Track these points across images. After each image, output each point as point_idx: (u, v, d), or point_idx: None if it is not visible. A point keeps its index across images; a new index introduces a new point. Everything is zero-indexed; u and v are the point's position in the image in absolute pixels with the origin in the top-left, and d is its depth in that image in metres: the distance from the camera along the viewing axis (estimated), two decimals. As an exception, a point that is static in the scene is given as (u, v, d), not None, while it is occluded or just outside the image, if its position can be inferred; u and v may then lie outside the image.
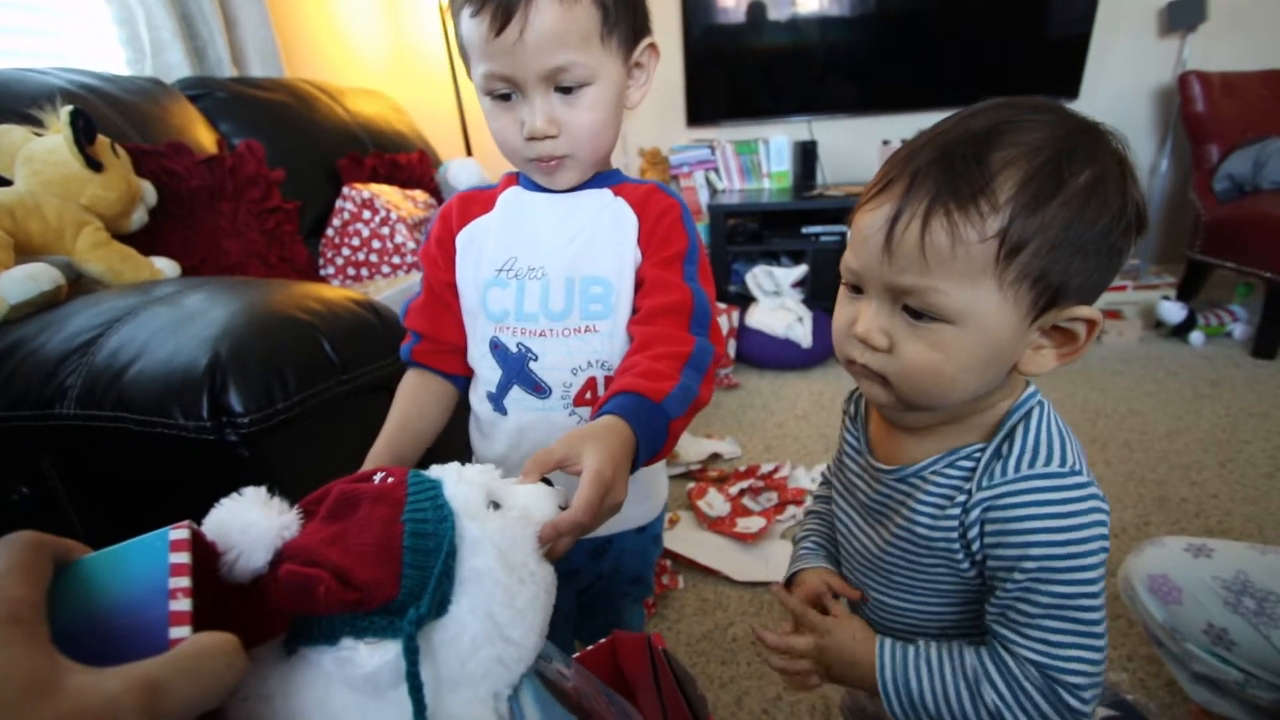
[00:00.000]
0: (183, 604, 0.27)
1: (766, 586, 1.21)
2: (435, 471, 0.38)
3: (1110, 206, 0.40)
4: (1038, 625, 0.43)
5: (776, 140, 2.74)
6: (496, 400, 0.64)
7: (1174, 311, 2.18)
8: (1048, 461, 0.43)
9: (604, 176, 0.65)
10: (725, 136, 2.82)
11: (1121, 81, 2.56)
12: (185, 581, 0.27)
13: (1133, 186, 0.41)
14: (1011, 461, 0.44)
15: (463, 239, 0.65)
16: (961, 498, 0.46)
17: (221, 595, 0.30)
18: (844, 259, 0.46)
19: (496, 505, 0.37)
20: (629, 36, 0.58)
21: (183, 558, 0.28)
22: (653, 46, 0.62)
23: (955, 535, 0.46)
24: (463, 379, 0.68)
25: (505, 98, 0.57)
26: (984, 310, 0.40)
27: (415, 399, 0.66)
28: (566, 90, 0.56)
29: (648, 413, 0.48)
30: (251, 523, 0.30)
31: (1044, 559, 0.42)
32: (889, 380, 0.45)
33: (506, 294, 0.62)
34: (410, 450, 0.64)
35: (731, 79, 2.78)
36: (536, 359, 0.61)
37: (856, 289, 0.46)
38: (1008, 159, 0.39)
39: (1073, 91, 2.53)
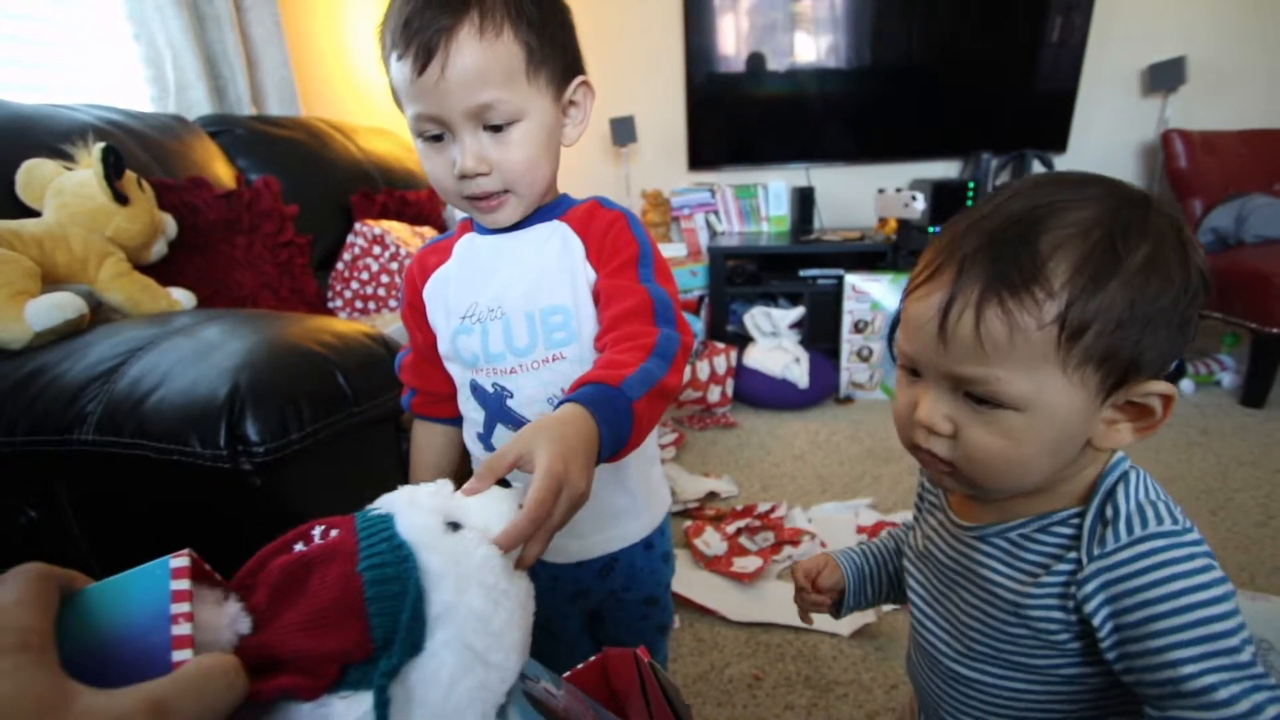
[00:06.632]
0: (184, 628, 0.28)
1: (763, 627, 1.21)
2: (384, 503, 0.36)
3: (1174, 278, 0.38)
4: (1224, 701, 0.37)
5: (775, 185, 2.83)
6: (485, 440, 0.65)
7: (1163, 359, 2.22)
8: (1159, 521, 0.40)
9: (550, 207, 0.64)
10: (725, 181, 2.90)
11: (1107, 137, 2.66)
12: (186, 607, 0.28)
13: (1193, 254, 0.40)
14: (1122, 525, 0.41)
15: (428, 293, 0.66)
16: (1064, 567, 0.42)
17: None
18: (898, 342, 0.45)
19: (456, 526, 0.35)
20: (558, 74, 0.59)
21: (183, 584, 0.28)
22: (587, 84, 0.62)
23: (1055, 606, 0.43)
24: (460, 420, 0.71)
25: (437, 139, 0.57)
26: (1050, 396, 0.39)
27: (429, 451, 0.74)
28: (496, 129, 0.56)
29: (606, 396, 0.46)
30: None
31: (1196, 623, 0.37)
32: (957, 466, 0.43)
33: (473, 339, 0.62)
34: None
35: (732, 126, 2.87)
36: (513, 396, 0.62)
37: (914, 372, 0.45)
38: (1058, 242, 0.38)
39: (1061, 145, 2.62)
